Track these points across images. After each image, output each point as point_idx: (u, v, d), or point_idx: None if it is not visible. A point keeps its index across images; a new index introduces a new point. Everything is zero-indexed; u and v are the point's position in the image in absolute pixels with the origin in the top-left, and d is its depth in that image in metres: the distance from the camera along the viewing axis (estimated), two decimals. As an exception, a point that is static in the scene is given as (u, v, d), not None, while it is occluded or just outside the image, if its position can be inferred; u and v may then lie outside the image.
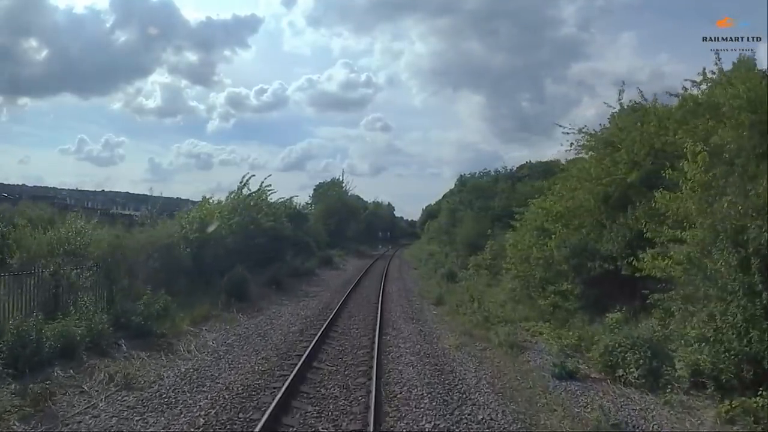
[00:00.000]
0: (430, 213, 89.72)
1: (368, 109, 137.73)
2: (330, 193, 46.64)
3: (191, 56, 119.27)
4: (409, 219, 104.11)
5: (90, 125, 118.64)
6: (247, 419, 6.50)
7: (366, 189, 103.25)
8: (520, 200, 34.15)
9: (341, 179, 48.28)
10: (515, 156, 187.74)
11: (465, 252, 28.60)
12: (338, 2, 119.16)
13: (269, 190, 25.74)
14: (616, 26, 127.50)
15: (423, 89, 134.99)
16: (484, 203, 31.97)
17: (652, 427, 6.51)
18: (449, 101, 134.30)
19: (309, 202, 48.47)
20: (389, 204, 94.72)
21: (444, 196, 37.55)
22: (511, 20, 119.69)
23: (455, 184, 35.97)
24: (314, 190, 49.83)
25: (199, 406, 6.90)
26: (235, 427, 6.30)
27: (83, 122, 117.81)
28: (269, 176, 31.10)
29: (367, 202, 72.42)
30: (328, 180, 50.32)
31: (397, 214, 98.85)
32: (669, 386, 7.49)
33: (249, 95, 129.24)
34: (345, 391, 7.72)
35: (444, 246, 33.53)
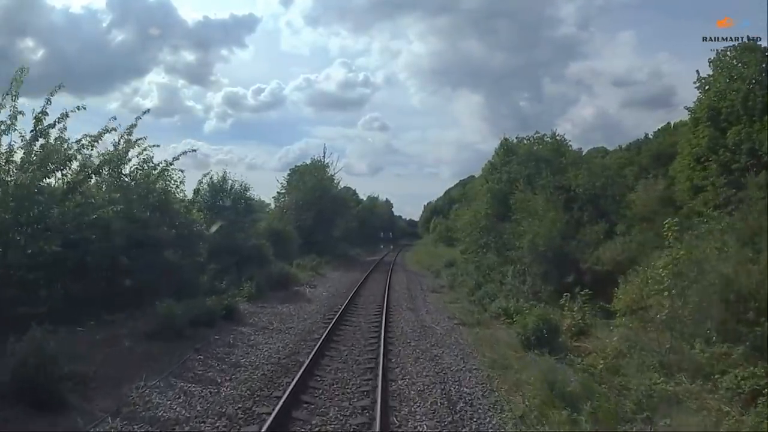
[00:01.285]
0: (435, 210, 76.00)
1: (366, 108, 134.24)
2: (307, 178, 32.27)
3: (188, 56, 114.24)
4: (408, 218, 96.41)
5: (87, 125, 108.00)
6: None
7: (364, 189, 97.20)
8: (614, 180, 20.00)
9: (323, 160, 34.05)
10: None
11: (541, 268, 14.40)
12: (337, 1, 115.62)
13: (138, 143, 11.52)
14: (615, 25, 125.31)
15: (421, 89, 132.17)
16: (553, 181, 17.86)
17: None
18: (448, 101, 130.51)
19: (281, 190, 34.16)
20: (387, 200, 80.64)
21: (482, 174, 23.03)
22: (510, 19, 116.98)
23: (496, 153, 21.63)
24: (288, 175, 35.34)
25: None
26: None
27: (80, 122, 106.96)
28: (145, 113, 12.51)
29: (361, 198, 58.09)
30: (308, 162, 35.49)
31: (396, 213, 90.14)
32: None
33: (246, 95, 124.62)
34: None
35: (483, 253, 19.29)
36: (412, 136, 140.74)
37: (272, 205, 32.51)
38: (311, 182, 31.73)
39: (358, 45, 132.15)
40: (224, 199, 18.90)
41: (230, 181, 19.29)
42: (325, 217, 32.64)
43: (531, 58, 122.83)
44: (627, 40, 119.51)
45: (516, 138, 22.20)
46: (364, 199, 63.00)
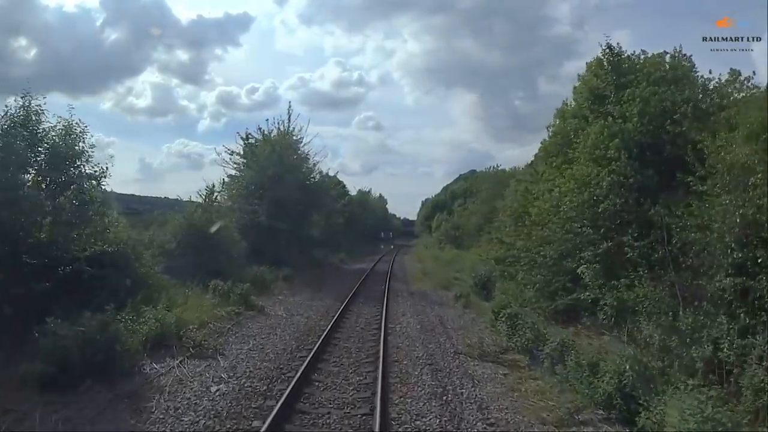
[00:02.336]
0: (436, 206, 65.18)
1: (360, 107, 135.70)
2: (258, 151, 21.27)
3: (182, 55, 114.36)
4: (402, 217, 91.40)
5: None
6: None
7: (358, 187, 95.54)
8: None
9: (287, 125, 23.03)
10: (508, 155, 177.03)
11: None
12: (331, 0, 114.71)
13: None
14: (610, 24, 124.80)
15: (416, 88, 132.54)
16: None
17: None
18: (442, 100, 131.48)
19: (236, 173, 22.94)
20: (381, 196, 69.78)
21: (568, 111, 12.20)
22: (506, 18, 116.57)
23: (593, 74, 10.89)
24: (243, 149, 23.44)
25: None
26: None
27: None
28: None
29: (348, 191, 47.17)
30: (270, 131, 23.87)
31: (390, 211, 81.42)
32: None
33: (240, 94, 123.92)
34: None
35: (592, 269, 8.55)
36: (407, 135, 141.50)
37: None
38: (263, 155, 20.87)
39: (353, 44, 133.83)
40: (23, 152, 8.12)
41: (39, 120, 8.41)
42: (288, 209, 21.90)
43: (526, 57, 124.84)
44: (622, 40, 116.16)
45: (629, 51, 11.39)
46: (354, 193, 52.33)
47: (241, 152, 21.11)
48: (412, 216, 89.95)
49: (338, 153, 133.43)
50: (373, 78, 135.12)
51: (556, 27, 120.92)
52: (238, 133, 21.61)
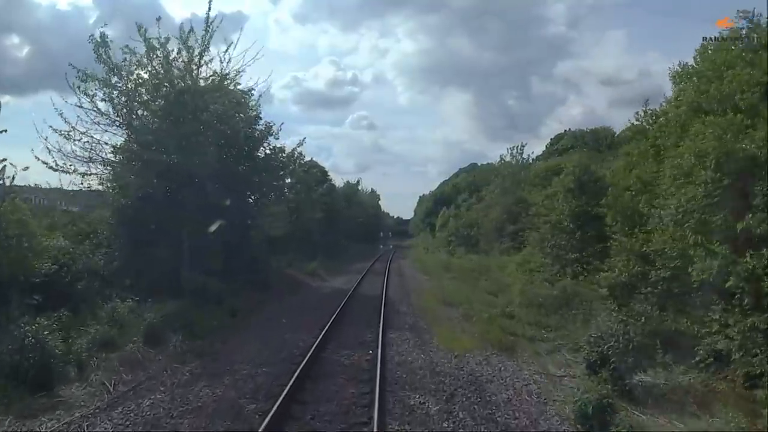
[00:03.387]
0: (440, 200, 55.19)
1: (354, 107, 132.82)
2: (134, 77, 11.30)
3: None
4: (396, 216, 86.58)
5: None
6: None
7: None
8: None
9: (205, 40, 13.02)
10: (502, 154, 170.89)
11: None
12: None
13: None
14: (606, 24, 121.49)
15: (410, 87, 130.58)
16: None
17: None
18: (436, 99, 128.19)
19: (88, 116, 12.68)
20: (372, 191, 59.63)
21: None
22: (500, 18, 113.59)
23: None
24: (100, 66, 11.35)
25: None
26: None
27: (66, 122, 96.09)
28: None
29: (330, 178, 37.00)
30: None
31: (383, 209, 73.78)
32: None
33: None
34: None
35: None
36: (400, 134, 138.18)
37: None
38: (137, 80, 10.92)
39: (347, 43, 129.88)
40: None
41: None
42: (207, 190, 12.07)
43: (520, 56, 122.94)
44: (617, 40, 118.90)
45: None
46: (341, 185, 42.25)
47: (99, 77, 10.92)
48: (405, 215, 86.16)
49: (331, 152, 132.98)
50: (367, 77, 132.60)
51: (550, 27, 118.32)
52: (89, 37, 11.35)
